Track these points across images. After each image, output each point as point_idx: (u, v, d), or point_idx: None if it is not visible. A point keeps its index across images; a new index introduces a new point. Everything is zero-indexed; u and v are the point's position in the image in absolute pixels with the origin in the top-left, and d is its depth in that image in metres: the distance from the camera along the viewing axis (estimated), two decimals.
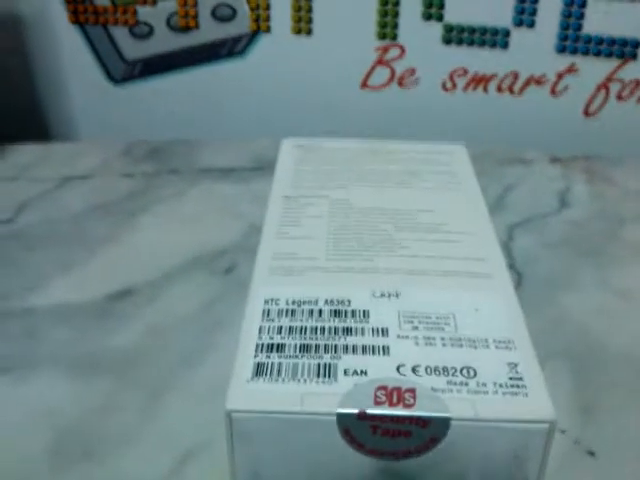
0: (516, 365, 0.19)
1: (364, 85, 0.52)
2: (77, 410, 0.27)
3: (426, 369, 0.18)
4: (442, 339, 0.19)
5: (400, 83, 0.52)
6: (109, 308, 0.33)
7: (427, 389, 0.18)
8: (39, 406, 0.27)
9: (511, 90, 0.51)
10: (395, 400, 0.17)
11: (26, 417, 0.27)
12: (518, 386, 0.18)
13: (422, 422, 0.17)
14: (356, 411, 0.17)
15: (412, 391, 0.18)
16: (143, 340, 0.31)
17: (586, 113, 0.51)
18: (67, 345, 0.31)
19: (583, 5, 0.47)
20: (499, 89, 0.51)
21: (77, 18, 0.52)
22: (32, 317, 0.32)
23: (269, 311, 0.20)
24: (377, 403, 0.17)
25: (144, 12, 0.51)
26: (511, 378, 0.18)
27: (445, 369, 0.18)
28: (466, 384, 0.18)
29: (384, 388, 0.18)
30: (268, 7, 0.50)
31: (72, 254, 0.37)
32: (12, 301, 0.33)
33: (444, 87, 0.51)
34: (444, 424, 0.17)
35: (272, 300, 0.21)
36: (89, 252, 0.37)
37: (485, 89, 0.51)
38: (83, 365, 0.29)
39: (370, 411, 0.17)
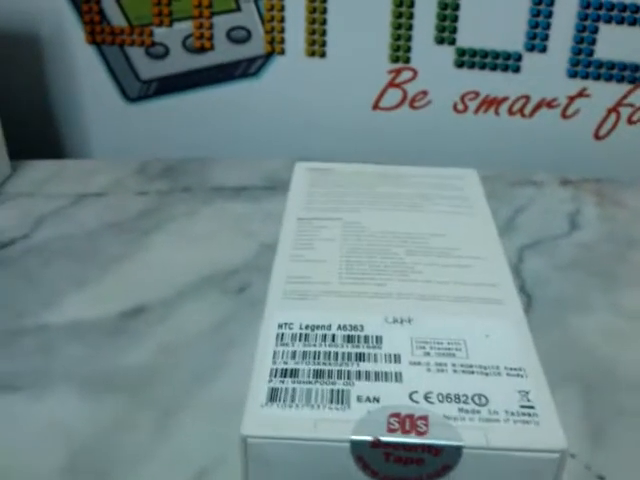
0: (527, 393, 0.19)
1: (375, 107, 0.53)
2: (90, 428, 0.27)
3: (438, 396, 0.19)
4: (453, 365, 0.20)
5: (412, 105, 0.52)
6: (122, 326, 0.33)
7: (440, 417, 0.18)
8: (53, 424, 0.28)
9: (522, 113, 0.51)
10: (408, 427, 0.17)
11: (39, 435, 0.27)
12: (530, 414, 0.18)
13: (435, 450, 0.17)
14: (370, 438, 0.17)
15: (425, 419, 0.18)
16: (156, 358, 0.31)
17: (597, 136, 0.51)
18: (81, 362, 0.31)
19: (595, 31, 0.48)
20: (510, 112, 0.51)
21: (94, 38, 0.53)
22: (46, 333, 0.33)
23: (283, 335, 0.21)
24: (390, 430, 0.17)
25: (160, 33, 0.52)
26: (522, 406, 0.18)
27: (457, 396, 0.19)
28: (478, 412, 0.18)
29: (397, 415, 0.18)
30: (283, 30, 0.51)
31: (86, 271, 0.37)
32: (27, 317, 0.34)
33: (456, 109, 0.52)
34: (456, 452, 0.17)
35: (286, 324, 0.21)
36: (103, 269, 0.38)
37: (496, 112, 0.52)
38: (97, 383, 0.30)
39: (383, 439, 0.17)
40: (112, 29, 0.53)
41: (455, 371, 0.19)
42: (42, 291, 0.36)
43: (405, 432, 0.17)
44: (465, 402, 0.18)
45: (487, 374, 0.19)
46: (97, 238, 0.41)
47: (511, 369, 0.20)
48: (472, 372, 0.19)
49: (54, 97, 0.56)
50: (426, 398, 0.18)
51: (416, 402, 0.18)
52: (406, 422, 0.18)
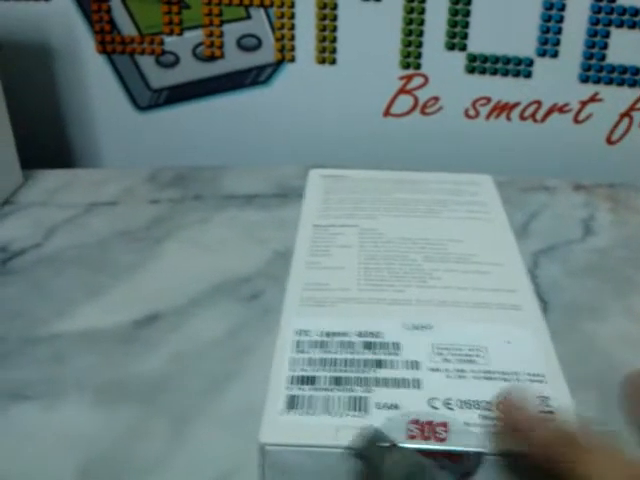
0: (547, 399, 0.19)
1: (387, 113, 0.53)
2: (105, 437, 0.27)
3: (458, 402, 0.18)
4: (473, 372, 0.20)
5: (423, 111, 0.52)
6: (135, 334, 0.33)
7: (459, 423, 0.18)
8: (67, 433, 0.28)
9: (534, 118, 0.51)
10: (427, 434, 0.17)
11: (54, 444, 0.27)
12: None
13: (454, 456, 0.17)
14: (389, 445, 0.17)
15: (444, 425, 0.18)
16: (170, 366, 0.31)
17: (609, 141, 0.51)
18: (94, 371, 0.31)
19: (607, 35, 0.47)
20: (522, 117, 0.51)
21: (104, 48, 0.53)
22: (59, 342, 0.33)
23: (300, 343, 0.21)
24: (410, 437, 0.17)
25: (170, 42, 0.52)
26: (542, 412, 0.18)
27: (477, 403, 0.18)
28: None
29: (416, 422, 0.18)
30: (293, 37, 0.51)
31: (99, 279, 0.37)
32: (39, 326, 0.34)
33: (467, 115, 0.52)
34: (477, 458, 0.17)
35: (303, 331, 0.21)
36: (115, 278, 0.38)
37: (508, 117, 0.51)
38: (110, 391, 0.30)
39: (403, 445, 0.17)
40: (122, 38, 0.53)
41: (475, 377, 0.19)
42: (55, 300, 0.36)
43: (424, 438, 0.17)
44: (486, 408, 0.18)
45: (507, 380, 0.19)
46: (109, 247, 0.41)
47: (531, 375, 0.19)
48: (492, 378, 0.19)
49: (65, 107, 0.56)
50: (446, 404, 0.18)
51: (436, 408, 0.18)
52: (425, 428, 0.17)
